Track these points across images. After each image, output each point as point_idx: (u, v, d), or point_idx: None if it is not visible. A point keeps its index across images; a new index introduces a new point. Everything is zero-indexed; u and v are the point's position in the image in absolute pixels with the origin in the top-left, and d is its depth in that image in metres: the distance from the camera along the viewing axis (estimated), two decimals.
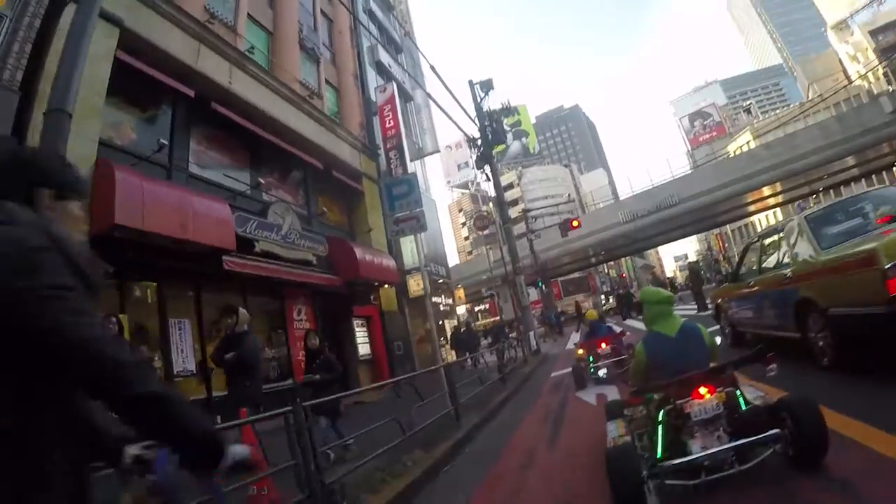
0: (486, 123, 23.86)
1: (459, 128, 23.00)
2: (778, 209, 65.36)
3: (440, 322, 25.93)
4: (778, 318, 7.48)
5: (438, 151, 30.10)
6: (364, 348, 18.16)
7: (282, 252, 14.11)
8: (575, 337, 22.80)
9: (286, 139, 15.65)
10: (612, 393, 8.99)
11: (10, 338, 1.27)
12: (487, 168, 24.10)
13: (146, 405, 1.39)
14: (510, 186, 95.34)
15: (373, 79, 25.31)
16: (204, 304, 12.65)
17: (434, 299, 25.01)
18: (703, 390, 3.88)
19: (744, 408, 3.97)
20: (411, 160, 26.91)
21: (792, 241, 6.97)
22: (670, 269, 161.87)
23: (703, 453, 3.76)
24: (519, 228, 33.21)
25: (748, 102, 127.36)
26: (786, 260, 7.11)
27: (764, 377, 4.38)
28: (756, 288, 8.26)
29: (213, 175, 13.55)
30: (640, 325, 16.06)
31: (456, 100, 19.78)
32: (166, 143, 11.52)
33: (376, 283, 18.45)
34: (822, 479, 3.61)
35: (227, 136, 14.18)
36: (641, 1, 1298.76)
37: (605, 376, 10.62)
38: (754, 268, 8.54)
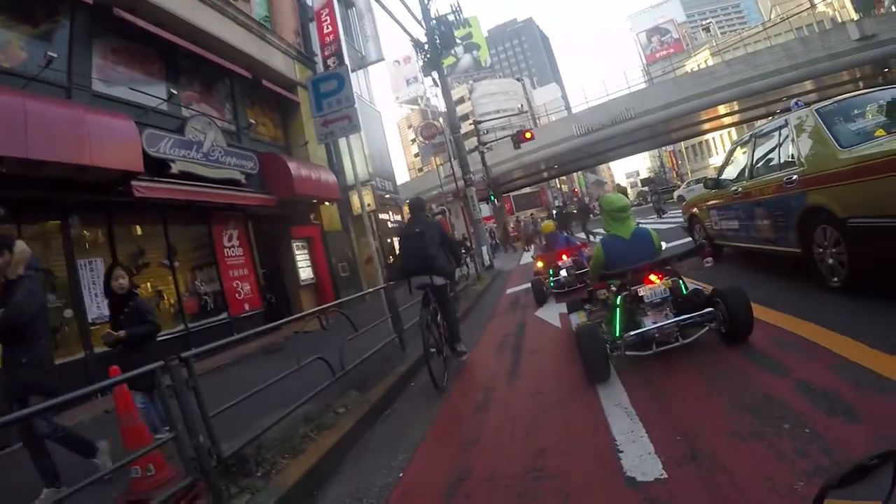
0: (435, 27, 22.09)
1: (406, 30, 20.17)
2: (733, 129, 65.75)
3: (389, 240, 24.64)
4: (774, 230, 6.42)
5: (382, 60, 28.01)
6: (306, 272, 16.93)
7: (204, 172, 12.63)
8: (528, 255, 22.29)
9: (208, 48, 13.79)
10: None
11: None
12: (436, 75, 22.47)
13: None
14: (461, 101, 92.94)
15: None
16: (118, 239, 11.22)
17: (382, 216, 23.85)
18: (653, 277, 4.80)
19: (686, 293, 4.88)
20: (353, 70, 25.20)
21: (799, 139, 5.78)
22: (623, 182, 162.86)
23: (654, 326, 4.66)
24: (471, 144, 31.68)
25: (707, 21, 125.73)
26: (786, 161, 5.99)
27: (701, 269, 5.81)
28: (745, 195, 7.10)
29: (122, 92, 11.71)
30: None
31: (402, 1, 18.05)
32: (55, 55, 9.56)
33: (315, 201, 17.06)
34: (746, 351, 4.51)
35: (138, 47, 12.28)
36: None
37: (565, 281, 10.10)
38: (744, 172, 7.32)
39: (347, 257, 18.78)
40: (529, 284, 11.14)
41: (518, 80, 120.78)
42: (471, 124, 39.09)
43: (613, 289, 5.19)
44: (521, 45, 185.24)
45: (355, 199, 19.88)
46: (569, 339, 6.42)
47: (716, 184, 8.45)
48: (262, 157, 14.84)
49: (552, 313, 8.77)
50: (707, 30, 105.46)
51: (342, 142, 20.71)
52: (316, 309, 8.67)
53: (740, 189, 7.29)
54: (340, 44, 21.21)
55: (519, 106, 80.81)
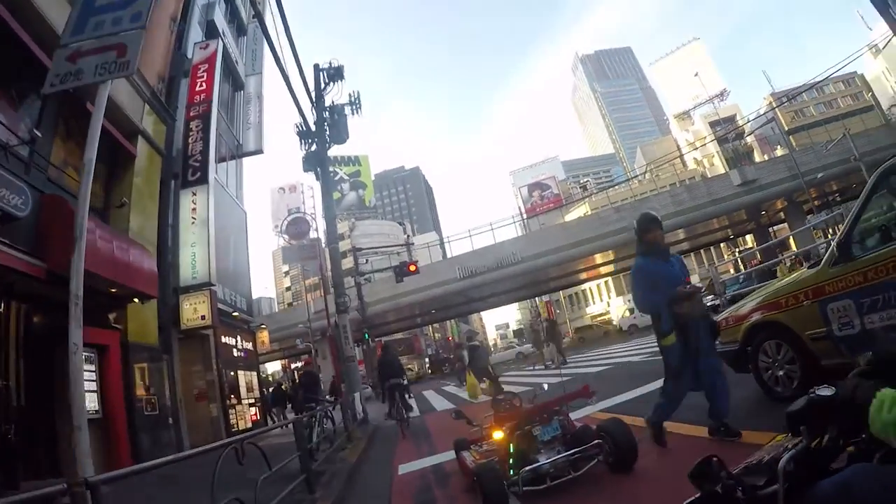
0: (326, 116, 18.09)
1: (299, 108, 16.00)
2: (609, 278, 67.43)
3: (231, 373, 18.68)
4: None
5: (261, 153, 23.96)
6: (88, 400, 10.77)
7: None
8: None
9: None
10: None
11: None
12: (319, 170, 18.15)
13: None
14: (341, 237, 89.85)
15: (197, 36, 19.73)
16: None
17: (226, 339, 18.26)
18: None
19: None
20: (227, 159, 20.91)
21: None
22: (492, 336, 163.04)
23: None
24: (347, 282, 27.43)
25: (585, 180, 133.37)
26: None
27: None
28: None
29: None
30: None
31: (291, 91, 14.25)
32: None
33: (115, 291, 11.21)
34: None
35: None
36: (495, 86, 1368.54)
37: (550, 469, 5.20)
38: None
39: (160, 388, 12.95)
40: (445, 457, 8.21)
41: (400, 224, 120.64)
42: (349, 250, 35.57)
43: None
44: (406, 191, 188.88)
45: (187, 307, 14.68)
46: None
47: (844, 253, 4.99)
48: (44, 200, 9.47)
49: None
50: (584, 187, 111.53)
51: (186, 230, 16.03)
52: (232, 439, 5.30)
53: None
54: (211, 106, 17.37)
55: (402, 244, 79.26)
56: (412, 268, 26.17)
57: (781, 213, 46.30)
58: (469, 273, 43.11)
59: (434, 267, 45.54)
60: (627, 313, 48.12)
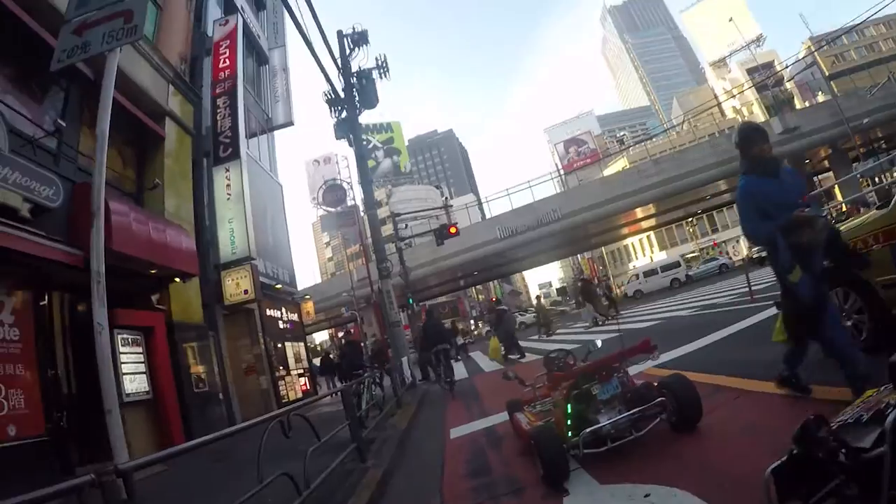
0: (354, 82, 17.82)
1: (326, 76, 15.81)
2: (651, 233, 66.08)
3: (279, 345, 18.91)
4: None
5: (292, 124, 23.90)
6: (136, 382, 10.83)
7: None
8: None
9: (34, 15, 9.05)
10: None
11: None
12: (351, 137, 17.97)
13: None
14: (379, 205, 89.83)
15: (216, 14, 19.42)
16: None
17: (271, 312, 18.38)
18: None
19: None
20: (258, 133, 20.88)
21: None
22: (534, 294, 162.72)
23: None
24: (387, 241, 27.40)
25: (622, 134, 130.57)
26: None
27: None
28: None
29: None
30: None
31: (317, 59, 14.08)
32: None
33: (156, 272, 11.29)
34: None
35: None
36: (522, 43, 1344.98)
37: (611, 430, 4.91)
38: None
39: (208, 364, 13.07)
40: (497, 419, 8.05)
41: (437, 187, 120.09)
42: (388, 217, 35.41)
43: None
44: (441, 155, 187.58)
45: (230, 283, 14.72)
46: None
47: None
48: (76, 189, 9.48)
49: None
50: (621, 141, 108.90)
51: (222, 206, 16.06)
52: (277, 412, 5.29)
53: None
54: (236, 82, 17.21)
55: (441, 204, 79.27)
56: (452, 230, 25.66)
57: (826, 162, 44.83)
58: (509, 233, 42.57)
59: (473, 228, 45.25)
60: (634, 278, 47.19)
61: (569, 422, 4.95)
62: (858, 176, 30.07)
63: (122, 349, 10.52)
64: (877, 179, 24.40)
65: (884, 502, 1.90)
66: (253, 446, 4.39)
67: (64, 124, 10.12)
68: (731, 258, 50.62)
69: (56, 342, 9.63)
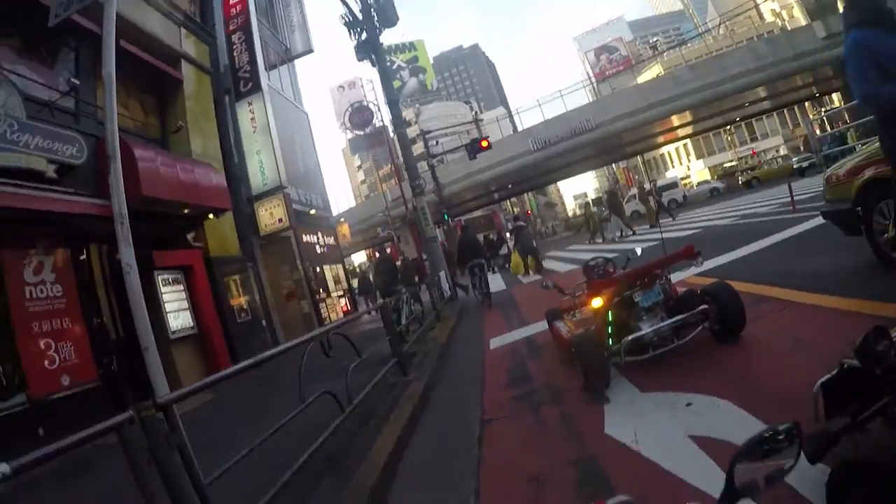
0: (371, 1, 17.24)
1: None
2: (688, 141, 64.19)
3: (317, 269, 19.19)
4: None
5: (311, 52, 23.31)
6: (180, 319, 11.21)
7: None
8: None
9: None
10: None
11: None
12: (374, 57, 17.50)
13: None
14: (408, 124, 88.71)
15: None
16: None
17: (307, 238, 18.56)
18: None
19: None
20: (278, 65, 20.56)
21: None
22: (570, 207, 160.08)
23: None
24: (419, 159, 27.08)
25: (655, 39, 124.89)
26: None
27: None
28: None
29: None
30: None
31: None
32: None
33: (189, 212, 11.44)
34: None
35: None
36: None
37: (654, 337, 4.83)
38: None
39: (249, 294, 13.34)
40: (537, 328, 8.08)
41: (466, 103, 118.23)
42: (418, 135, 34.97)
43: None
44: (468, 70, 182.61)
45: (264, 213, 14.84)
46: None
47: None
48: (99, 143, 9.48)
49: (650, 429, 3.79)
50: (654, 47, 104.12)
51: (249, 140, 15.95)
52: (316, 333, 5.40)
53: None
54: (248, 16, 16.83)
55: (471, 117, 78.31)
56: (484, 144, 24.78)
57: None
58: (542, 144, 41.65)
59: (506, 141, 44.54)
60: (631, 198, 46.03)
61: (610, 329, 4.90)
62: None
63: (163, 289, 10.82)
64: None
65: None
66: (296, 369, 4.44)
67: (78, 83, 10.11)
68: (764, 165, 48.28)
69: (98, 292, 10.00)
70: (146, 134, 12.01)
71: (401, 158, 20.81)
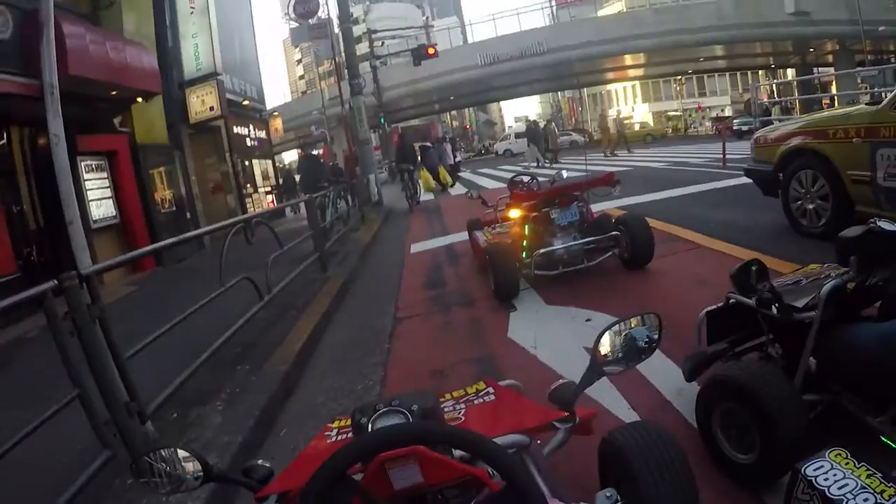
0: None
1: None
2: (637, 83, 64.37)
3: (246, 163, 18.79)
4: None
5: None
6: (102, 207, 10.84)
7: None
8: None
9: None
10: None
11: None
12: None
13: None
14: (355, 22, 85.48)
15: None
16: None
17: (238, 129, 18.12)
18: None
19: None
20: None
21: None
22: (509, 126, 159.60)
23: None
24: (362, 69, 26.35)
25: None
26: None
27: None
28: None
29: None
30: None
31: None
32: None
33: (115, 93, 10.64)
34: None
35: None
36: None
37: (563, 254, 5.25)
38: None
39: (175, 185, 13.02)
40: (457, 238, 8.48)
41: (418, 7, 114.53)
42: (364, 34, 33.99)
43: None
44: None
45: (195, 100, 14.36)
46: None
47: None
48: (28, 17, 8.91)
49: (550, 338, 4.10)
50: None
51: (185, 21, 15.07)
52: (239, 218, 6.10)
53: None
54: None
55: (420, 25, 76.20)
56: (430, 51, 24.95)
57: (830, 56, 42.46)
58: (491, 60, 41.13)
59: (454, 52, 43.57)
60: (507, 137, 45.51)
61: (524, 242, 5.20)
62: (859, 79, 28.43)
63: (86, 176, 10.40)
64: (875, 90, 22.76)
65: (802, 366, 2.09)
66: (218, 263, 4.50)
67: None
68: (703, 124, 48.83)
69: (19, 179, 9.58)
70: (76, 8, 11.12)
71: (343, 56, 20.23)
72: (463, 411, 1.86)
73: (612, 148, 24.77)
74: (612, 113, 30.26)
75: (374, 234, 10.84)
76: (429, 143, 22.29)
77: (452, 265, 7.14)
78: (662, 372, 3.06)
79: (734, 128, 28.61)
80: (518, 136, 44.93)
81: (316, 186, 12.81)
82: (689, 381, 2.67)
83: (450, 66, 40.95)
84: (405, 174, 15.65)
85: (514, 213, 5.69)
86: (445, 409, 1.84)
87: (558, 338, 3.99)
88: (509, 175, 8.58)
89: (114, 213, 11.14)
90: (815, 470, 1.48)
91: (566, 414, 1.65)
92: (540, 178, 7.26)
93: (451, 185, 19.15)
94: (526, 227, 5.24)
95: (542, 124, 28.12)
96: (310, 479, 1.08)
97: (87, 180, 10.41)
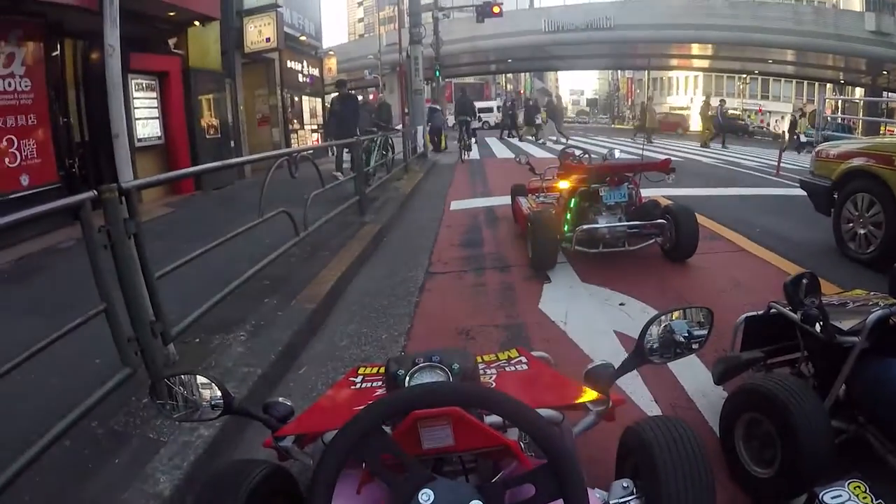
0: None
1: None
2: (700, 74, 63.03)
3: (296, 98, 18.71)
4: None
5: None
6: (149, 127, 10.77)
7: None
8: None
9: None
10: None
11: None
12: None
13: None
14: None
15: None
16: None
17: (292, 64, 18.03)
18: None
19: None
20: None
21: None
22: (566, 100, 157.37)
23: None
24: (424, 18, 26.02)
25: None
26: None
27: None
28: None
29: None
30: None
31: None
32: None
33: (173, 14, 10.53)
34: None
35: None
36: None
37: (606, 234, 5.11)
38: None
39: (222, 112, 12.99)
40: (499, 201, 8.36)
41: None
42: None
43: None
44: None
45: (252, 30, 14.29)
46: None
47: None
48: None
49: (581, 315, 4.03)
50: None
51: None
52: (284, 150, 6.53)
53: None
54: None
55: None
56: (496, 9, 24.01)
57: None
58: (555, 28, 40.47)
59: (518, 14, 43.00)
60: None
61: (568, 216, 5.10)
62: None
63: (135, 94, 10.34)
64: None
65: (835, 390, 2.03)
66: (258, 195, 4.45)
67: None
68: (769, 129, 47.08)
69: (69, 91, 9.48)
70: None
71: (406, 3, 19.97)
72: (494, 377, 1.81)
73: (707, 140, 24.26)
74: (714, 102, 28.80)
75: (416, 186, 10.74)
76: (437, 106, 23.22)
77: (491, 227, 7.04)
78: (689, 370, 2.98)
79: (795, 137, 27.84)
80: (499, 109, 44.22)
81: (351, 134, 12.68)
82: (718, 385, 2.62)
83: (513, 27, 40.20)
84: (463, 126, 17.70)
85: (563, 185, 5.50)
86: None
87: (590, 317, 3.92)
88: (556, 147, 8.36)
89: (159, 134, 11.12)
90: (832, 498, 1.50)
91: (603, 396, 1.59)
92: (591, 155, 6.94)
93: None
94: (572, 200, 5.12)
95: (641, 103, 28.31)
96: (343, 427, 1.05)
97: (135, 98, 10.34)
